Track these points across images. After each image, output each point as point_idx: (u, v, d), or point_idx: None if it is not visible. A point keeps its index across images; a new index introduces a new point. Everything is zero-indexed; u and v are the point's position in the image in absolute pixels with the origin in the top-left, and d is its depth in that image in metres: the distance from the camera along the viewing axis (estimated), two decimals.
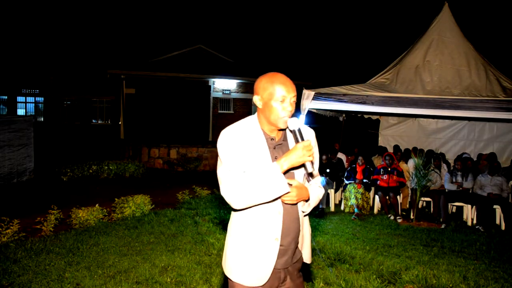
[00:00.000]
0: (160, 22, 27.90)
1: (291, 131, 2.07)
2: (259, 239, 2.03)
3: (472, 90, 7.39)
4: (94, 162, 11.35)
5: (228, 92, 21.77)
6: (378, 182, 7.91)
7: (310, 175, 2.04)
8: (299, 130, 2.00)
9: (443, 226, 6.95)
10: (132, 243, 5.46)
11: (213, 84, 21.36)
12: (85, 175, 10.89)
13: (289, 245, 2.10)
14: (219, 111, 21.68)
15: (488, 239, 6.28)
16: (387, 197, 7.62)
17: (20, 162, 9.96)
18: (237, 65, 22.49)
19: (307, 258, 2.28)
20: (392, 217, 7.40)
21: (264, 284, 2.05)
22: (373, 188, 8.20)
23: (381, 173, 7.92)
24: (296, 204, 2.08)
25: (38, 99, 27.05)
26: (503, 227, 6.99)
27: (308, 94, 5.93)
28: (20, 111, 26.67)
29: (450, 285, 4.36)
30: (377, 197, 7.91)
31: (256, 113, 2.15)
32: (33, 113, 26.51)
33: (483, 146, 9.95)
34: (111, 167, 11.26)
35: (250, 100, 22.34)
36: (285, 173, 1.94)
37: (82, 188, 9.62)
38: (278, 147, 2.10)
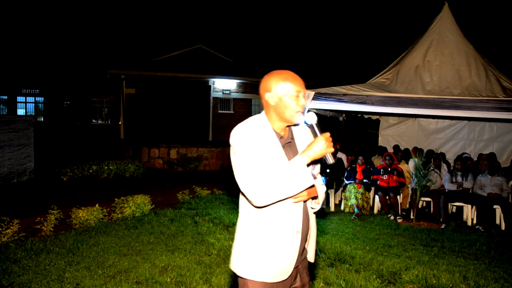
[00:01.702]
0: (160, 22, 27.91)
1: (308, 126, 2.10)
2: (280, 233, 2.01)
3: (472, 90, 7.39)
4: (94, 162, 11.35)
5: (228, 92, 21.77)
6: (378, 182, 7.91)
7: (331, 166, 2.05)
8: (317, 124, 2.02)
9: (443, 226, 6.95)
10: (132, 243, 5.46)
11: (213, 84, 21.35)
12: (85, 175, 10.89)
13: (302, 242, 2.11)
14: (219, 111, 21.68)
15: (488, 239, 6.28)
16: (387, 197, 7.62)
17: (20, 162, 9.96)
18: (237, 65, 22.49)
19: (311, 257, 2.27)
20: (392, 217, 7.40)
21: (283, 280, 2.03)
22: (373, 188, 8.20)
23: (381, 173, 7.92)
24: (306, 201, 2.10)
25: (38, 99, 27.05)
26: (503, 227, 6.99)
27: (308, 94, 5.94)
28: (20, 111, 26.65)
29: (450, 285, 4.36)
30: (377, 197, 7.91)
31: (264, 111, 2.13)
32: (33, 113, 26.50)
33: (483, 146, 9.95)
34: (111, 167, 11.26)
35: (250, 100, 22.35)
36: None
37: (82, 188, 9.63)
38: (287, 145, 2.10)
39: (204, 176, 11.75)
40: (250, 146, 1.96)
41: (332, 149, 1.94)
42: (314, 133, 2.02)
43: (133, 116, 18.67)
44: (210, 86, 21.19)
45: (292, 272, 2.08)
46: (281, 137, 2.09)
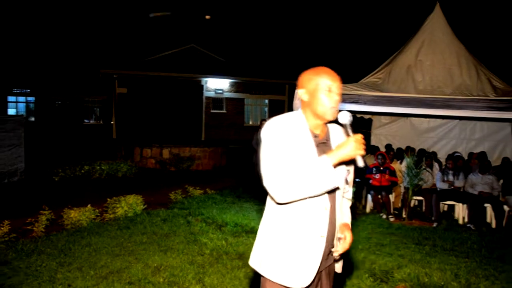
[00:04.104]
0: (153, 21, 27.77)
1: (341, 125, 2.02)
2: (303, 236, 1.94)
3: (464, 90, 7.46)
4: (86, 162, 11.27)
5: (220, 91, 21.76)
6: (371, 181, 7.94)
7: (360, 169, 2.00)
8: (350, 124, 1.95)
9: (435, 225, 6.99)
10: (124, 243, 5.44)
11: (206, 83, 21.34)
12: (77, 175, 10.81)
13: (327, 247, 2.02)
14: (212, 111, 21.69)
15: (479, 237, 6.33)
16: (380, 196, 7.65)
17: (10, 163, 9.86)
18: (229, 65, 22.49)
19: (338, 267, 2.20)
20: (384, 216, 7.44)
21: (306, 287, 1.95)
22: (365, 187, 8.23)
23: (374, 172, 7.95)
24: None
25: (29, 98, 26.84)
26: (493, 225, 7.05)
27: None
28: (11, 111, 26.41)
29: (442, 283, 4.40)
30: (369, 196, 7.94)
31: (301, 108, 2.07)
32: (24, 113, 26.28)
33: (474, 145, 10.02)
34: (103, 167, 11.19)
35: (243, 99, 22.37)
36: None
37: (74, 188, 9.56)
38: (321, 145, 2.02)
39: (196, 176, 11.72)
40: (279, 141, 1.90)
41: (363, 152, 1.86)
42: (346, 133, 1.96)
43: (126, 116, 18.61)
44: (202, 85, 21.18)
45: (314, 277, 2.00)
46: (315, 136, 2.03)
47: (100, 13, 29.11)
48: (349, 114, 1.97)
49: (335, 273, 2.22)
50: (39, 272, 4.39)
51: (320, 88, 1.96)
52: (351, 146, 1.84)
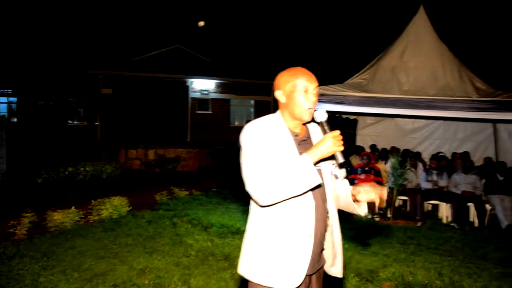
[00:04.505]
0: (138, 22, 27.57)
1: (318, 123, 2.02)
2: (290, 237, 1.92)
3: (447, 91, 7.56)
4: (70, 163, 11.12)
5: (206, 92, 21.68)
6: (356, 181, 7.99)
7: (341, 165, 2.00)
8: (327, 121, 1.95)
9: (419, 224, 7.07)
10: (109, 246, 5.38)
11: (191, 84, 21.25)
12: (61, 177, 10.65)
13: (316, 248, 2.00)
14: (197, 112, 21.59)
15: (463, 236, 6.43)
16: None
17: None
18: (215, 65, 22.43)
19: (338, 271, 2.16)
20: (369, 216, 7.49)
21: None
22: None
23: (359, 172, 8.01)
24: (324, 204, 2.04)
25: (11, 99, 26.35)
26: (476, 224, 7.16)
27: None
28: None
29: (426, 282, 4.45)
30: None
31: (279, 109, 2.08)
32: (6, 114, 25.82)
33: (458, 145, 10.15)
34: (87, 169, 11.05)
35: (229, 100, 22.33)
36: None
37: (58, 190, 9.42)
38: (302, 143, 2.03)
39: (182, 177, 11.66)
40: (258, 144, 1.90)
41: (341, 148, 1.87)
42: (323, 131, 1.96)
43: (110, 117, 18.43)
44: (188, 86, 21.08)
45: (305, 279, 1.98)
46: (296, 135, 2.03)
47: (85, 13, 28.79)
48: (325, 111, 1.98)
49: (337, 278, 2.20)
50: (21, 276, 4.31)
51: (297, 90, 1.97)
52: (329, 143, 1.85)
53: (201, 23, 20.37)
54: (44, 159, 13.00)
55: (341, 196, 2.17)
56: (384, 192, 2.07)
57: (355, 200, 2.11)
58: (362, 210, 2.14)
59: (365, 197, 2.07)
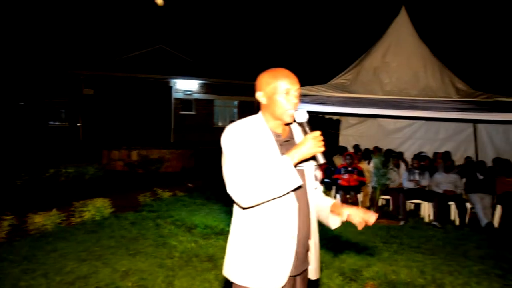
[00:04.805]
0: (119, 22, 27.28)
1: (298, 123, 2.02)
2: (273, 238, 1.92)
3: (428, 91, 7.65)
4: (51, 164, 10.95)
5: (189, 92, 21.58)
6: (339, 181, 8.04)
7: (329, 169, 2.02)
8: (307, 122, 1.95)
9: (402, 223, 7.15)
10: (91, 248, 5.31)
11: (175, 84, 21.13)
12: (42, 178, 10.47)
13: (299, 248, 2.00)
14: (181, 112, 21.48)
15: (444, 234, 6.54)
16: (348, 196, 7.76)
17: None
18: (198, 66, 22.35)
19: (313, 273, 2.15)
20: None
21: None
22: (334, 187, 8.33)
23: (342, 172, 8.06)
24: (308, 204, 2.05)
25: None
26: (457, 223, 7.27)
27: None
28: None
29: (409, 280, 4.50)
30: (338, 196, 8.04)
31: (260, 111, 2.07)
32: None
33: (439, 145, 10.31)
34: (69, 170, 10.89)
35: (212, 101, 22.27)
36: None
37: (39, 192, 9.25)
38: (285, 144, 2.02)
39: (165, 178, 11.57)
40: (239, 146, 1.89)
41: (322, 149, 1.87)
42: (304, 132, 1.96)
43: (93, 118, 18.22)
44: (171, 86, 20.96)
45: (289, 280, 1.98)
46: (278, 136, 2.03)
47: (67, 13, 28.37)
48: (305, 112, 1.98)
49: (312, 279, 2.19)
50: (1, 280, 4.23)
51: (278, 92, 1.97)
52: (309, 144, 1.86)
53: (160, 2, 19.75)
54: (24, 160, 12.77)
55: (320, 207, 2.20)
56: (372, 219, 2.15)
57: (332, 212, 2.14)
58: (333, 225, 2.19)
59: (352, 219, 2.16)
